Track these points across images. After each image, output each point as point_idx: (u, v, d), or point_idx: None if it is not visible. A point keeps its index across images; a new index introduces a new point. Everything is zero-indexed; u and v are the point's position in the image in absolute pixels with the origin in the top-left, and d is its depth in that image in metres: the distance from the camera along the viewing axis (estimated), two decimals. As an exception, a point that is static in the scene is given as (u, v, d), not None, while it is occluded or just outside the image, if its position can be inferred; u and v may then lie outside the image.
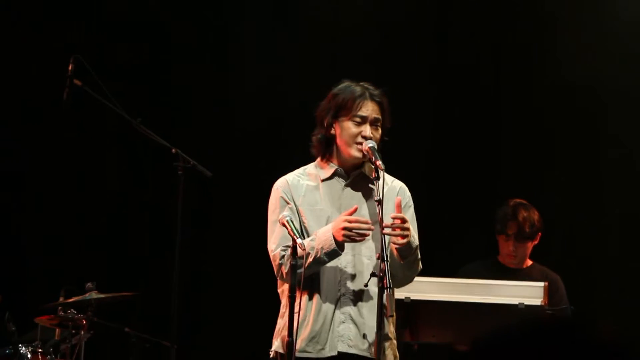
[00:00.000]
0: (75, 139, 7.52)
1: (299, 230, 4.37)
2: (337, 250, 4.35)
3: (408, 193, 4.64)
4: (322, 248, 4.35)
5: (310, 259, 4.32)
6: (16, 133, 7.50)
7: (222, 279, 7.41)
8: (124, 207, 7.60)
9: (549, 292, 5.44)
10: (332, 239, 4.33)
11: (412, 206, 4.61)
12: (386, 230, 4.27)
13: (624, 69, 7.17)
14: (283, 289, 4.54)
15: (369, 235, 4.38)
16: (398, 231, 4.30)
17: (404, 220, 4.32)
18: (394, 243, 4.33)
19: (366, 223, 4.34)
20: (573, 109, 7.28)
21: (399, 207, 4.41)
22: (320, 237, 4.38)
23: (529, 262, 6.14)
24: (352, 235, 4.33)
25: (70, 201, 7.50)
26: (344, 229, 4.31)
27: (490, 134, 7.42)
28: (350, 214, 4.37)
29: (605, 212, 7.14)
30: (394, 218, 4.31)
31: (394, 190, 4.59)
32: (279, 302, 4.59)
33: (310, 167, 4.65)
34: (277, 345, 4.52)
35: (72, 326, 6.02)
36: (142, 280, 7.33)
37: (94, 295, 5.99)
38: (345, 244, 4.39)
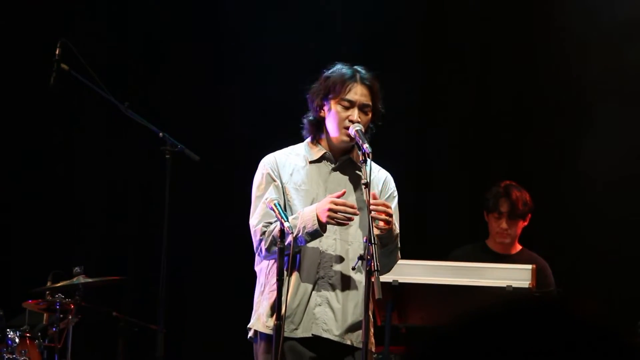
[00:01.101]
0: (63, 123, 7.50)
1: (286, 214, 4.36)
2: (318, 230, 4.33)
3: (393, 184, 4.65)
4: (304, 227, 4.33)
5: (290, 237, 4.31)
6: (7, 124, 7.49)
7: (210, 262, 7.41)
8: (112, 191, 7.59)
9: (538, 278, 5.44)
10: (316, 219, 4.32)
11: (397, 197, 4.62)
12: (372, 214, 4.27)
13: (617, 66, 7.17)
14: (261, 267, 4.54)
15: (353, 219, 4.38)
16: (383, 215, 4.29)
17: (386, 206, 4.33)
18: (377, 228, 4.31)
19: (352, 207, 4.34)
20: (569, 101, 7.29)
21: (375, 198, 4.38)
22: (303, 216, 4.36)
23: (519, 248, 6.15)
24: (337, 218, 4.32)
25: (57, 185, 7.48)
26: (330, 210, 4.30)
27: (483, 122, 7.43)
28: (338, 197, 4.37)
29: (597, 203, 7.14)
30: (375, 204, 4.30)
31: (379, 180, 4.59)
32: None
33: (299, 147, 4.64)
34: (253, 322, 4.52)
35: (60, 310, 6.02)
36: (130, 265, 7.32)
37: (82, 279, 5.99)
38: (328, 228, 4.37)
